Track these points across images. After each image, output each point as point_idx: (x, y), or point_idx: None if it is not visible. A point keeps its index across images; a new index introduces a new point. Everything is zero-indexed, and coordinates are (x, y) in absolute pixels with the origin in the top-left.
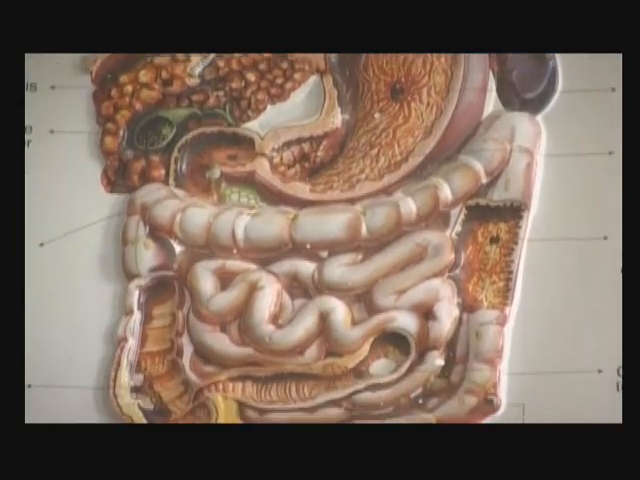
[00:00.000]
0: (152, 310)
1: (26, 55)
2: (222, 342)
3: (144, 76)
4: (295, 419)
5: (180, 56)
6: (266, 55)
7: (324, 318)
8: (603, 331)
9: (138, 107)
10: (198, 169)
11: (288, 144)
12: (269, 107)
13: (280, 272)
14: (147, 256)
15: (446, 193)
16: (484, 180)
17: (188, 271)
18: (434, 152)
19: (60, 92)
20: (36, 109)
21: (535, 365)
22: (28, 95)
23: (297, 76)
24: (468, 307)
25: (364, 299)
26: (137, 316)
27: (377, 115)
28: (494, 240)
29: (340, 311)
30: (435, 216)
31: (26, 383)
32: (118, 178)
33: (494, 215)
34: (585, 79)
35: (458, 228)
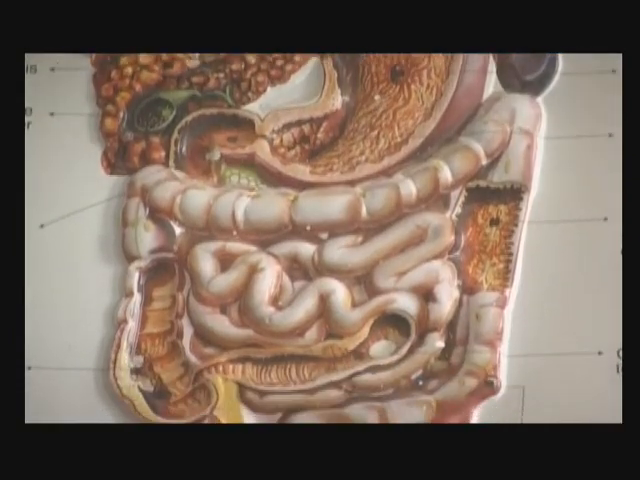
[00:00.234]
0: (152, 292)
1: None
2: (222, 324)
3: (144, 58)
4: (295, 401)
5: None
6: None
7: (324, 300)
8: (603, 313)
9: (138, 89)
10: (198, 151)
11: (288, 126)
12: (269, 89)
13: (280, 254)
14: (147, 238)
15: (446, 175)
16: (484, 162)
17: (188, 253)
18: (434, 134)
19: (60, 74)
20: (36, 91)
21: (535, 347)
22: (28, 77)
23: (297, 58)
24: (468, 289)
25: (364, 281)
26: (137, 298)
27: (377, 97)
28: (494, 222)
29: (340, 293)
30: (435, 198)
31: (26, 365)
32: (118, 160)
33: (494, 197)
34: (585, 61)
35: (458, 210)
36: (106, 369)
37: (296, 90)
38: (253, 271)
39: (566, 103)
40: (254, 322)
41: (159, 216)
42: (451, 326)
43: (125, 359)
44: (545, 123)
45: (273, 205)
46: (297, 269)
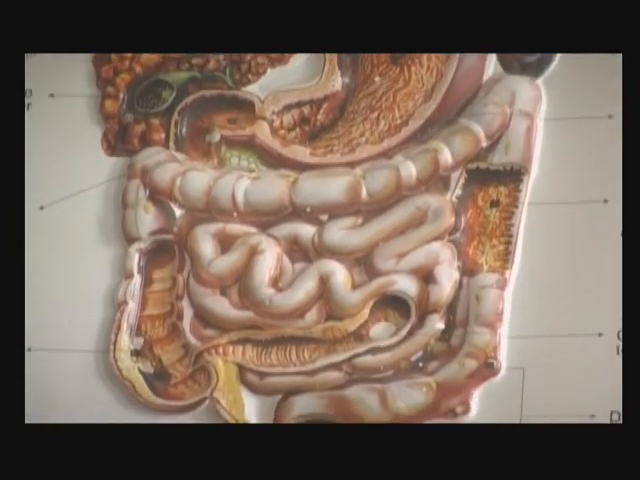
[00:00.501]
0: (152, 273)
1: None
2: (222, 305)
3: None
4: (295, 382)
5: None
6: None
7: (324, 281)
8: (603, 295)
9: (138, 70)
10: (198, 132)
11: (288, 107)
12: (269, 70)
13: (280, 235)
14: (147, 219)
15: (446, 156)
16: (484, 144)
17: (188, 234)
18: (434, 116)
19: (60, 55)
20: (36, 72)
21: (535, 329)
22: (28, 58)
23: None
24: (468, 271)
25: (364, 262)
26: (137, 279)
27: (377, 79)
28: (494, 204)
29: (340, 274)
30: (435, 180)
31: (26, 346)
32: (118, 141)
33: (494, 179)
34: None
35: (458, 192)
36: (106, 351)
37: (296, 72)
38: (253, 253)
39: (566, 85)
40: (254, 304)
41: (159, 198)
42: (451, 308)
43: (125, 341)
44: (545, 105)
45: (273, 187)
46: (297, 251)
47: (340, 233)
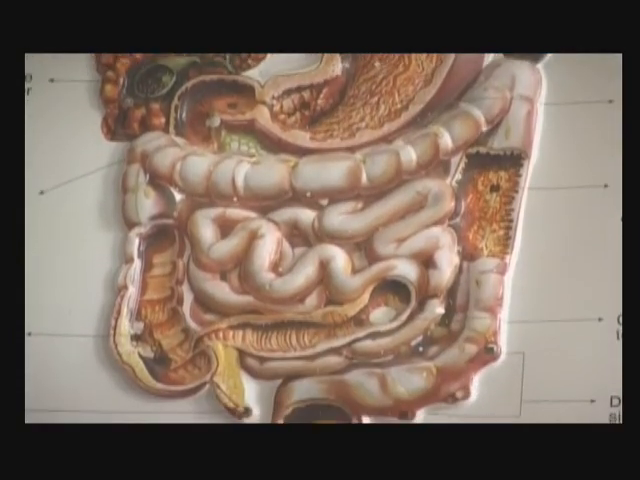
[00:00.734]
0: (152, 258)
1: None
2: (222, 290)
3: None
4: (295, 367)
5: None
6: None
7: (324, 266)
8: (603, 279)
9: (138, 55)
10: (198, 117)
11: (288, 92)
12: (269, 55)
13: (280, 220)
14: (147, 204)
15: (446, 141)
16: (484, 128)
17: (188, 219)
18: (434, 100)
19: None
20: (36, 57)
21: (535, 313)
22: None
23: None
24: (468, 255)
25: (364, 247)
26: (137, 264)
27: (377, 63)
28: (494, 188)
29: (340, 259)
30: (435, 164)
31: (26, 331)
32: (118, 126)
33: (494, 163)
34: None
35: (458, 176)
36: (106, 335)
37: (296, 56)
38: (253, 237)
39: (566, 69)
40: (254, 288)
41: (159, 182)
42: (451, 292)
43: (125, 325)
44: (545, 89)
45: (273, 171)
46: (297, 235)
47: (340, 218)
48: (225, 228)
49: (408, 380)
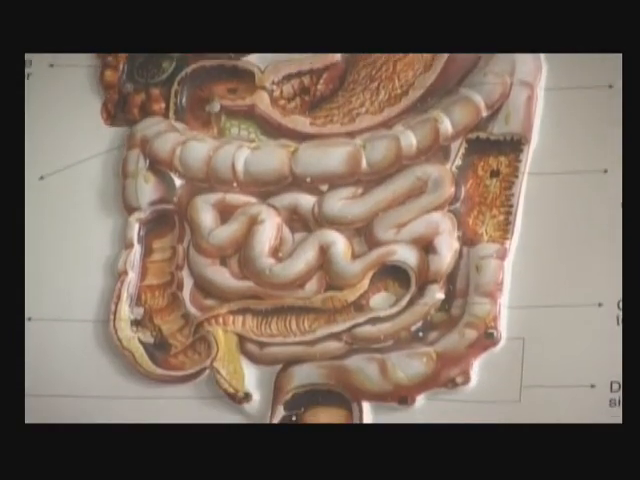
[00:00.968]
0: (152, 243)
1: None
2: (222, 275)
3: None
4: (295, 352)
5: None
6: None
7: (324, 251)
8: (603, 265)
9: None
10: (198, 102)
11: (288, 77)
12: None
13: (280, 205)
14: (147, 189)
15: (446, 126)
16: (484, 113)
17: (188, 204)
18: (434, 85)
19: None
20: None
21: (535, 299)
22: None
23: None
24: (468, 240)
25: (364, 233)
26: (137, 249)
27: None
28: (494, 173)
29: (340, 244)
30: (435, 149)
31: (26, 316)
32: (118, 111)
33: (494, 148)
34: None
35: (458, 161)
36: (106, 321)
37: None
38: (253, 223)
39: (566, 55)
40: (254, 273)
41: (159, 168)
42: (451, 278)
43: (125, 310)
44: (545, 75)
45: (273, 157)
46: (297, 221)
47: (340, 203)
48: (225, 213)
49: (408, 365)
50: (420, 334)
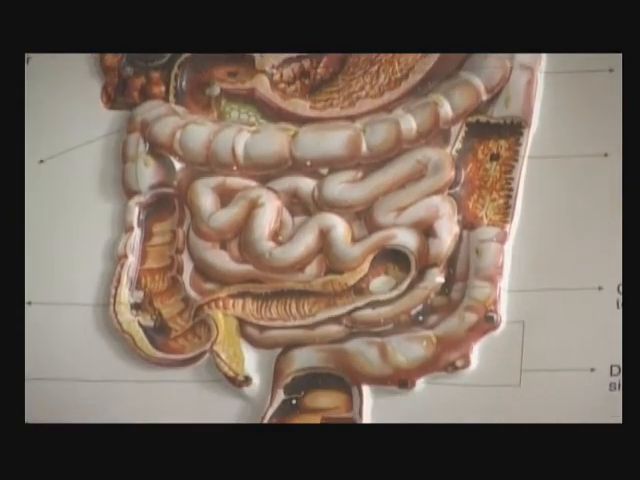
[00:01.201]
0: (152, 227)
1: None
2: (222, 259)
3: None
4: (295, 336)
5: None
6: None
7: (324, 235)
8: (603, 248)
9: None
10: (198, 86)
11: (288, 61)
12: None
13: (280, 189)
14: (147, 173)
15: (446, 110)
16: (484, 97)
17: (188, 188)
18: (434, 69)
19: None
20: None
21: (535, 282)
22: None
23: None
24: (468, 224)
25: (364, 216)
26: (137, 233)
27: None
28: (494, 157)
29: (340, 228)
30: (435, 133)
31: (26, 300)
32: (118, 95)
33: (494, 132)
34: None
35: (458, 145)
36: (106, 304)
37: None
38: (253, 206)
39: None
40: (254, 257)
41: (159, 151)
42: (451, 261)
43: (125, 294)
44: (545, 58)
45: (273, 140)
46: (297, 204)
47: (340, 187)
48: (225, 197)
49: (408, 349)
50: (420, 318)
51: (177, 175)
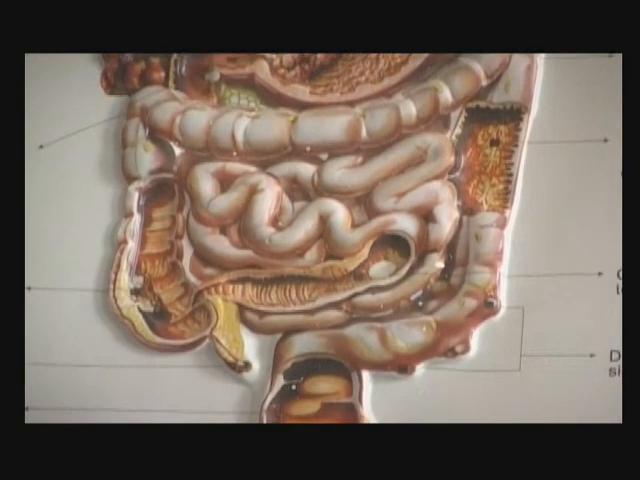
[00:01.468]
0: (152, 213)
1: None
2: (222, 244)
3: None
4: (295, 321)
5: None
6: None
7: (324, 220)
8: (603, 234)
9: None
10: (198, 71)
11: None
12: None
13: (280, 175)
14: (147, 158)
15: (446, 95)
16: (484, 82)
17: (188, 173)
18: (434, 54)
19: None
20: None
21: (535, 268)
22: None
23: None
24: (468, 210)
25: (364, 202)
26: (137, 218)
27: None
28: (494, 142)
29: (340, 214)
30: (435, 118)
31: (26, 285)
32: (118, 80)
33: (494, 117)
34: None
35: (458, 130)
36: (106, 290)
37: None
38: (253, 192)
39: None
40: (254, 242)
41: (159, 137)
42: (451, 247)
43: (125, 280)
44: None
45: (273, 126)
46: (297, 190)
47: (340, 172)
48: (225, 182)
49: (408, 334)
50: (420, 303)
51: (177, 160)
